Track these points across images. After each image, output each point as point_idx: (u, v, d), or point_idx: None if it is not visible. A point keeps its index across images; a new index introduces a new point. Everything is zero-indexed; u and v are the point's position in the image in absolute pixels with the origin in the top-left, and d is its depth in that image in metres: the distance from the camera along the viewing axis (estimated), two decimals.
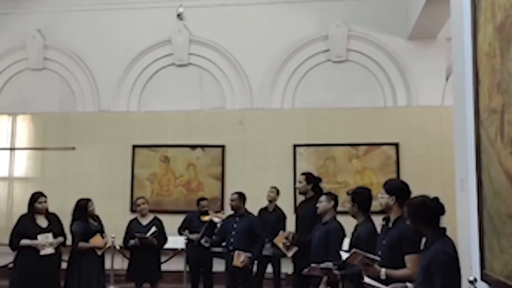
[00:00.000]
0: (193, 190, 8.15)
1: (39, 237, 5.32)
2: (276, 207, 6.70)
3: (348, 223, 4.39)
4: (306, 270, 3.95)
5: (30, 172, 8.56)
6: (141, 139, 8.33)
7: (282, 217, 6.64)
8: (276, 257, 6.50)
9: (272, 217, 6.51)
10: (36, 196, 5.47)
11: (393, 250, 3.18)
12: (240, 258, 5.43)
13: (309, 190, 5.37)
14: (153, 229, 5.85)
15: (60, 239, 5.49)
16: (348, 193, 3.99)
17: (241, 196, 5.77)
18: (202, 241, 6.09)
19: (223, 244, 5.84)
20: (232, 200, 5.76)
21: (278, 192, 6.76)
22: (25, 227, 5.38)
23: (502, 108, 2.46)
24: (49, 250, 5.34)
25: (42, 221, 5.44)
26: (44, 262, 5.28)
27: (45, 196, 5.51)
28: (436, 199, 2.93)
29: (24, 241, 5.31)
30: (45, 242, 5.32)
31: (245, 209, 5.82)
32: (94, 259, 5.63)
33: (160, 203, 8.02)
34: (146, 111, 8.55)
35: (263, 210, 6.62)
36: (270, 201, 6.68)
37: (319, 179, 5.61)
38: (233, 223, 5.71)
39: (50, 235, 5.37)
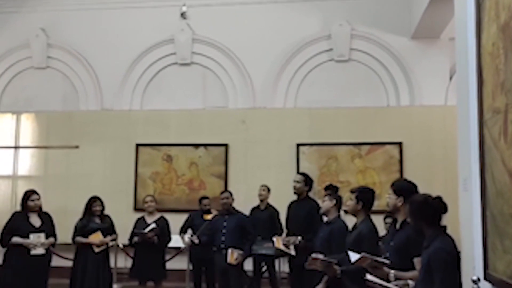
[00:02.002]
0: (195, 189, 8.16)
1: (31, 236, 5.22)
2: (268, 205, 6.72)
3: (348, 222, 4.40)
4: (307, 262, 3.95)
5: (34, 171, 8.58)
6: (144, 138, 8.34)
7: (276, 214, 6.66)
8: (271, 257, 6.51)
9: (264, 215, 6.53)
10: (28, 194, 5.39)
11: (401, 252, 3.16)
12: (233, 255, 5.52)
13: (304, 191, 5.50)
14: (152, 225, 5.81)
15: (51, 239, 5.39)
16: (352, 191, 3.97)
17: (232, 195, 6.00)
18: (187, 236, 6.28)
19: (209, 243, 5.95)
20: (226, 199, 5.90)
21: (269, 190, 6.77)
22: (18, 224, 5.27)
23: (505, 108, 2.46)
24: (40, 251, 5.23)
25: (36, 220, 5.35)
26: (33, 261, 5.18)
27: (38, 194, 5.42)
28: (439, 198, 2.92)
29: (16, 239, 5.20)
30: (37, 242, 5.21)
31: (233, 208, 5.93)
32: (96, 257, 5.63)
33: (163, 202, 8.01)
34: (149, 109, 8.57)
35: (255, 209, 6.64)
36: (262, 200, 6.70)
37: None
38: (223, 221, 5.80)
39: (42, 235, 5.28)
